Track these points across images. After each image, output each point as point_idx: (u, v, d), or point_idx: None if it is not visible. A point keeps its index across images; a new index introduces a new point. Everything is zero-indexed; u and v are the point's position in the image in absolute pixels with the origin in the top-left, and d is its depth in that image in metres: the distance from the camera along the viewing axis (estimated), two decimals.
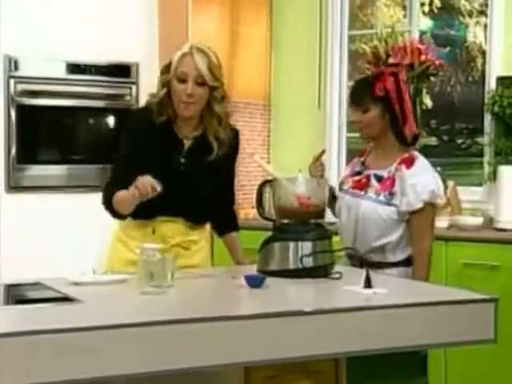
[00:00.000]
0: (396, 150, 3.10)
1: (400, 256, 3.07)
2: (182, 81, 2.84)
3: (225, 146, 2.95)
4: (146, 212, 2.85)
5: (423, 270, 3.06)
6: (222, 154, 2.95)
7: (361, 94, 3.12)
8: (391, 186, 3.04)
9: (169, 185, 2.82)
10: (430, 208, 3.05)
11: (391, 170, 3.06)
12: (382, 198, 3.04)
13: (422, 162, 3.09)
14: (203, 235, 3.08)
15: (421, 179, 3.02)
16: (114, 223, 3.03)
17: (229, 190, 3.14)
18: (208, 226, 3.15)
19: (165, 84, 2.89)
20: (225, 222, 3.17)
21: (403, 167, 3.04)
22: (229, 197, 3.15)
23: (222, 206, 3.09)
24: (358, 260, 2.98)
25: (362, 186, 3.12)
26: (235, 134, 3.05)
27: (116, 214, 2.89)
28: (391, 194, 3.03)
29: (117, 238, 3.04)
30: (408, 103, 3.13)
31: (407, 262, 3.07)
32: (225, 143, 2.95)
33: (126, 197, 2.78)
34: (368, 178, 3.12)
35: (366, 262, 2.83)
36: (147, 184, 2.68)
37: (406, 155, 3.08)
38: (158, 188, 2.70)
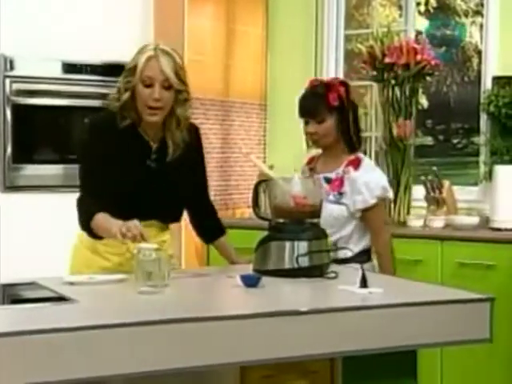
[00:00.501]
0: (345, 154, 3.24)
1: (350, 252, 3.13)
2: (148, 85, 2.76)
3: (179, 148, 2.86)
4: (119, 218, 2.68)
5: (389, 262, 3.21)
6: (188, 155, 2.89)
7: (315, 105, 3.21)
8: (340, 186, 3.19)
9: (140, 189, 2.80)
10: (382, 203, 3.26)
11: (339, 172, 3.21)
12: (331, 197, 3.17)
13: (367, 161, 3.29)
14: (171, 235, 3.04)
15: (371, 177, 3.19)
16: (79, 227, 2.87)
17: (203, 190, 3.08)
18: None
19: (128, 88, 2.80)
20: (209, 228, 3.11)
21: (351, 169, 3.20)
22: (205, 197, 3.09)
23: (200, 209, 3.06)
24: None
25: None
26: (195, 131, 2.98)
27: (94, 234, 2.78)
28: (340, 194, 3.18)
29: (83, 243, 2.91)
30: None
31: (358, 258, 3.12)
32: (179, 146, 2.86)
33: (106, 229, 2.67)
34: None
35: None
36: (137, 234, 2.58)
37: (353, 157, 3.24)
38: (145, 236, 2.59)
